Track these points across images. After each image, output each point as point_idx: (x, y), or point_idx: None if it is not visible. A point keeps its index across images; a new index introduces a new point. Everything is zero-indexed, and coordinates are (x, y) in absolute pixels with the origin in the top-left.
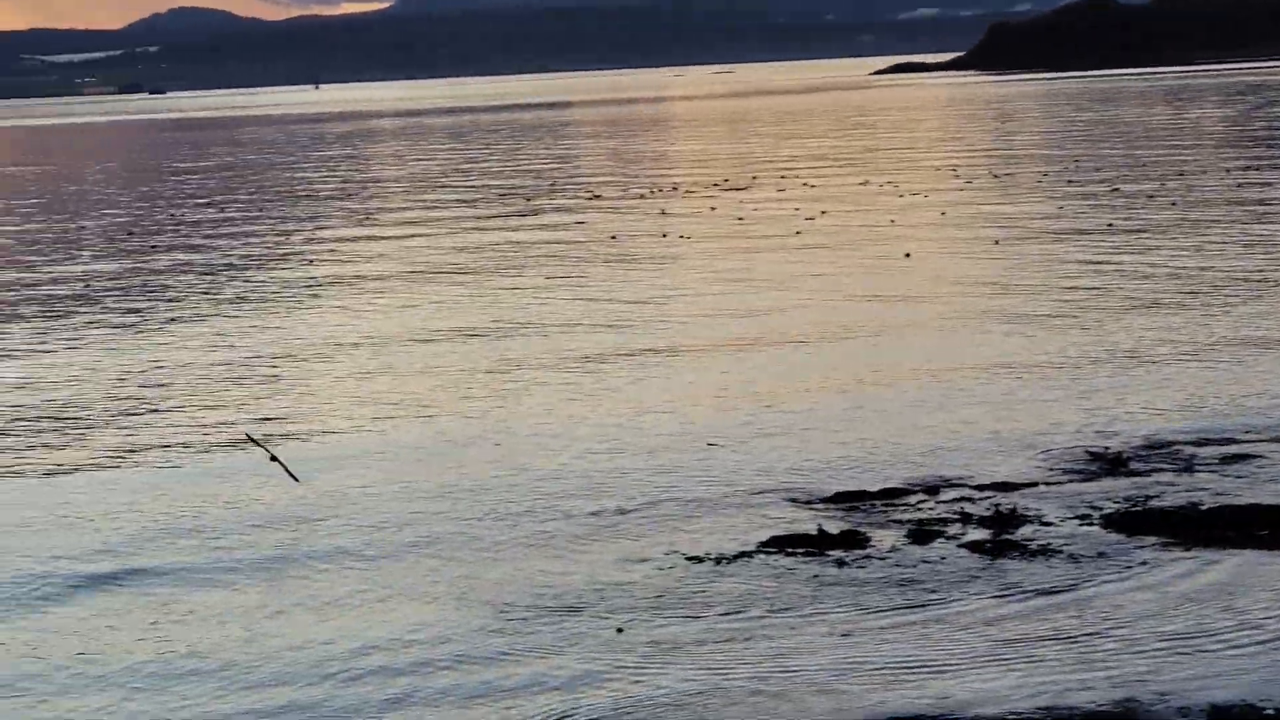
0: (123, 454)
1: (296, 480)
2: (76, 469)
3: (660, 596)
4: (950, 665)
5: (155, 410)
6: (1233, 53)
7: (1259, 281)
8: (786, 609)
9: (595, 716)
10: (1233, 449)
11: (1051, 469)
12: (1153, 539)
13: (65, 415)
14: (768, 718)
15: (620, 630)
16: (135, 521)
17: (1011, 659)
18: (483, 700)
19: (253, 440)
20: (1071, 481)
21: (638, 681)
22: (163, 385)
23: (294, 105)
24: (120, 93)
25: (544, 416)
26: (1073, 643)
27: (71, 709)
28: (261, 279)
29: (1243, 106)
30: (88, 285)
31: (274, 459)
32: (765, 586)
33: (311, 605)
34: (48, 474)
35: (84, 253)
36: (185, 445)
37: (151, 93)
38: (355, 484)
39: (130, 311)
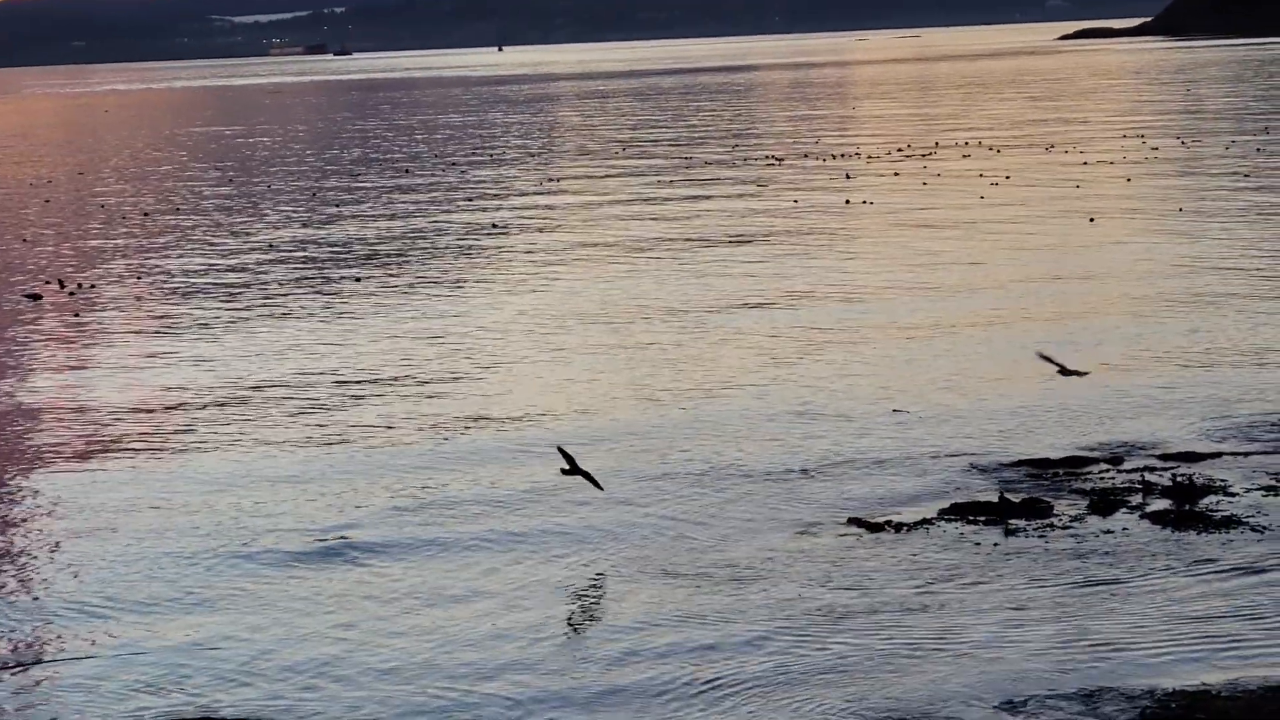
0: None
1: (601, 489)
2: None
3: (835, 565)
4: (1126, 639)
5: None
6: None
7: None
8: (963, 579)
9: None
10: None
11: (1239, 438)
12: None
13: (356, 378)
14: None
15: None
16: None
17: (1190, 634)
18: (667, 659)
19: (562, 453)
20: (1259, 453)
21: (799, 647)
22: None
23: (478, 67)
24: (307, 53)
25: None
26: (1259, 620)
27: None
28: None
29: None
30: (371, 246)
31: (576, 470)
32: (943, 557)
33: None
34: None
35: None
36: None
37: (336, 54)
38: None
39: (386, 285)
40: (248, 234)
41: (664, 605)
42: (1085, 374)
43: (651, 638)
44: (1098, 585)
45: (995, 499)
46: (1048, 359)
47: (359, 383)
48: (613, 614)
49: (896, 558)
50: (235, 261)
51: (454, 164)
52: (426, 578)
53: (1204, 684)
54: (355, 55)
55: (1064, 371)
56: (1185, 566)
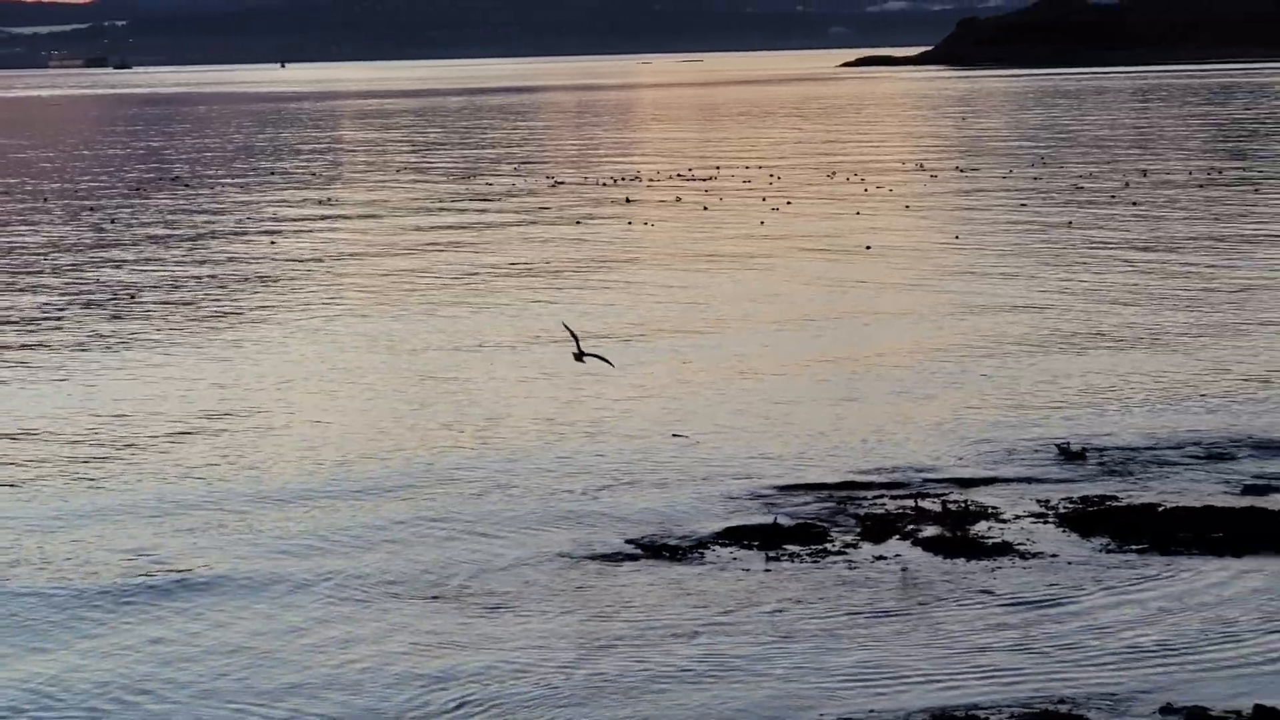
0: None
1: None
2: None
3: (605, 589)
4: (894, 667)
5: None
6: (1204, 54)
7: (1209, 276)
8: (731, 605)
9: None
10: (1197, 449)
11: (1012, 464)
12: (1105, 539)
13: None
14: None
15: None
16: None
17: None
18: (427, 686)
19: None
20: (1031, 479)
21: (561, 672)
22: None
23: (261, 83)
24: (87, 65)
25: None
26: (1029, 651)
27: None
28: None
29: (1213, 108)
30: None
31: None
32: (713, 583)
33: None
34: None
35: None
36: None
37: (116, 67)
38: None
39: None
40: (38, 268)
41: (433, 630)
42: (586, 359)
43: (422, 663)
44: (867, 614)
45: (769, 524)
46: (571, 334)
47: (148, 423)
48: (372, 640)
49: (667, 581)
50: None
51: (233, 184)
52: (238, 612)
53: (972, 713)
54: (136, 69)
55: (579, 356)
56: (956, 595)
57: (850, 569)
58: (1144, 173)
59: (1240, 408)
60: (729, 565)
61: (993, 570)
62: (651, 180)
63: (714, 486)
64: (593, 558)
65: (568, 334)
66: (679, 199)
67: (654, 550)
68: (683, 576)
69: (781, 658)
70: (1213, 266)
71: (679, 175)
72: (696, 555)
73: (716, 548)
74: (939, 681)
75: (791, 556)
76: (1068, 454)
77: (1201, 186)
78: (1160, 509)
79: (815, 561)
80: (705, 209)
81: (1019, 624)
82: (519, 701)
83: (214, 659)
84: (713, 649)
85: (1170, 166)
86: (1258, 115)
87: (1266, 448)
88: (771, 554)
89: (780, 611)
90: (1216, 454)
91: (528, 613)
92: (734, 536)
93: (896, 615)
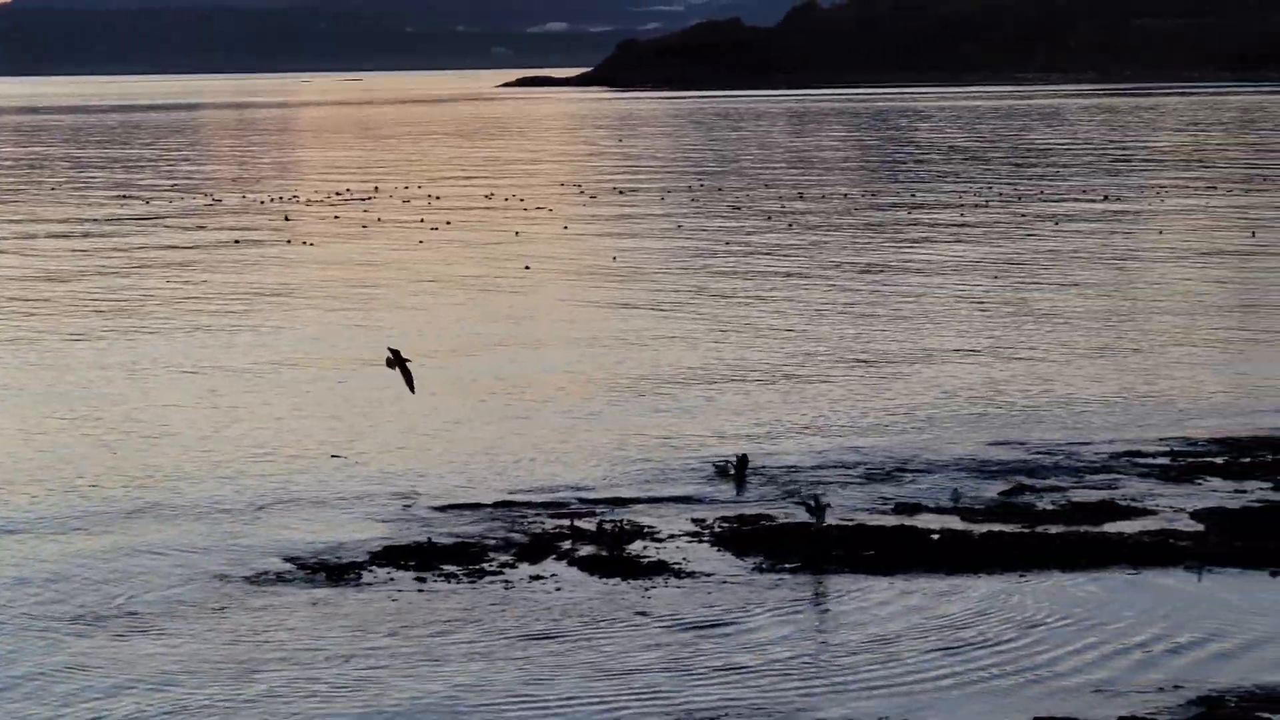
0: None
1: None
2: None
3: (247, 610)
4: (549, 689)
5: None
6: (854, 78)
7: (869, 298)
8: (381, 627)
9: None
10: (854, 470)
11: (670, 484)
12: (760, 558)
13: None
14: None
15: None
16: None
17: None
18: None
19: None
20: (689, 499)
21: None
22: None
23: None
24: None
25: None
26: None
27: None
28: None
29: (865, 132)
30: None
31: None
32: (362, 605)
33: None
34: None
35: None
36: None
37: None
38: None
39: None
40: None
41: (75, 653)
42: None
43: (49, 686)
44: (522, 636)
45: (424, 543)
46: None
47: None
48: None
49: (322, 602)
50: None
51: None
52: None
53: None
54: None
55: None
56: (613, 616)
57: (506, 589)
58: (800, 194)
59: (896, 430)
60: (384, 585)
61: (648, 590)
62: (310, 200)
63: (374, 506)
64: (249, 579)
65: (390, 353)
66: (337, 218)
67: (311, 570)
68: (337, 597)
69: (435, 680)
70: (874, 289)
71: (338, 195)
72: (353, 576)
73: (374, 568)
74: (595, 704)
75: (448, 577)
76: (725, 474)
77: (857, 208)
78: (813, 528)
79: (471, 582)
80: (364, 228)
81: (674, 644)
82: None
83: None
84: (364, 672)
85: (826, 188)
86: (913, 138)
87: (918, 470)
88: (427, 574)
89: (434, 634)
90: (872, 475)
91: (173, 634)
92: (391, 556)
93: (552, 637)
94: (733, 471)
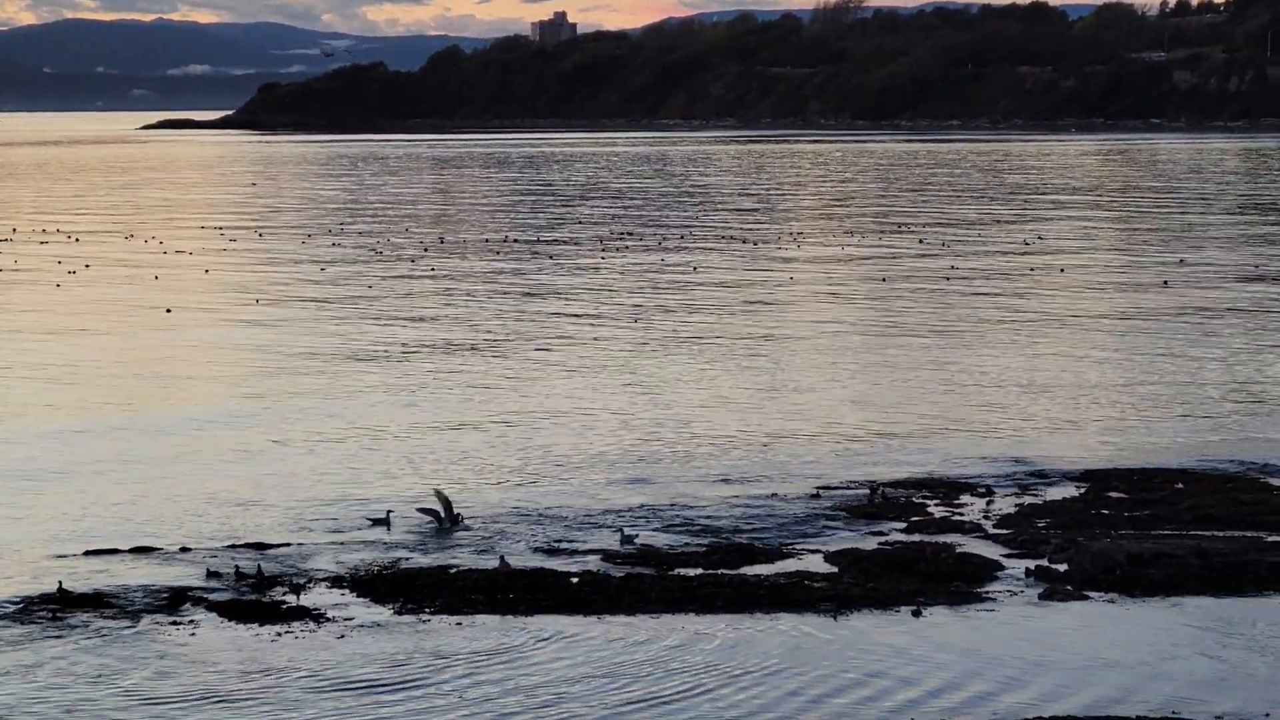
0: None
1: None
2: None
3: None
4: None
5: None
6: (497, 124)
7: (517, 351)
8: None
9: None
10: (514, 516)
11: (326, 531)
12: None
13: None
14: None
15: None
16: None
17: None
18: None
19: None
20: (333, 544)
21: None
22: None
23: None
24: None
25: None
26: None
27: None
28: None
29: (516, 174)
30: None
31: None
32: None
33: None
34: None
35: None
36: None
37: None
38: None
39: None
40: None
41: None
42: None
43: None
44: (152, 690)
45: (54, 592)
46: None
47: None
48: None
49: None
50: None
51: None
52: None
53: None
54: None
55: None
56: (245, 669)
57: (138, 637)
58: (441, 239)
59: (553, 479)
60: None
61: (278, 636)
62: None
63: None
64: None
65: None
66: None
67: None
68: None
69: None
70: (518, 338)
71: None
72: None
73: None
74: None
75: (84, 625)
76: (377, 521)
77: (503, 251)
78: (454, 571)
79: (104, 636)
80: None
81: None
82: None
83: None
84: None
85: (470, 233)
86: (567, 179)
87: (577, 516)
88: (61, 624)
89: (61, 688)
90: (526, 518)
91: None
92: (21, 604)
93: (226, 698)
94: (381, 519)
